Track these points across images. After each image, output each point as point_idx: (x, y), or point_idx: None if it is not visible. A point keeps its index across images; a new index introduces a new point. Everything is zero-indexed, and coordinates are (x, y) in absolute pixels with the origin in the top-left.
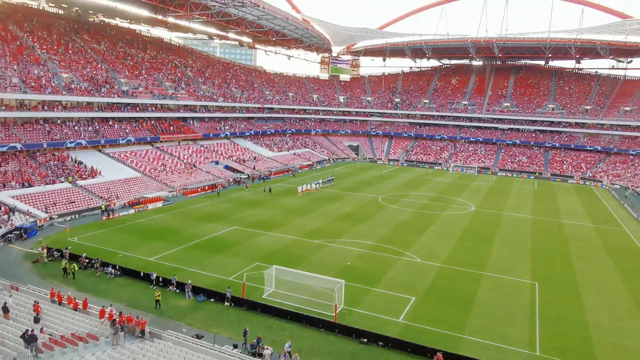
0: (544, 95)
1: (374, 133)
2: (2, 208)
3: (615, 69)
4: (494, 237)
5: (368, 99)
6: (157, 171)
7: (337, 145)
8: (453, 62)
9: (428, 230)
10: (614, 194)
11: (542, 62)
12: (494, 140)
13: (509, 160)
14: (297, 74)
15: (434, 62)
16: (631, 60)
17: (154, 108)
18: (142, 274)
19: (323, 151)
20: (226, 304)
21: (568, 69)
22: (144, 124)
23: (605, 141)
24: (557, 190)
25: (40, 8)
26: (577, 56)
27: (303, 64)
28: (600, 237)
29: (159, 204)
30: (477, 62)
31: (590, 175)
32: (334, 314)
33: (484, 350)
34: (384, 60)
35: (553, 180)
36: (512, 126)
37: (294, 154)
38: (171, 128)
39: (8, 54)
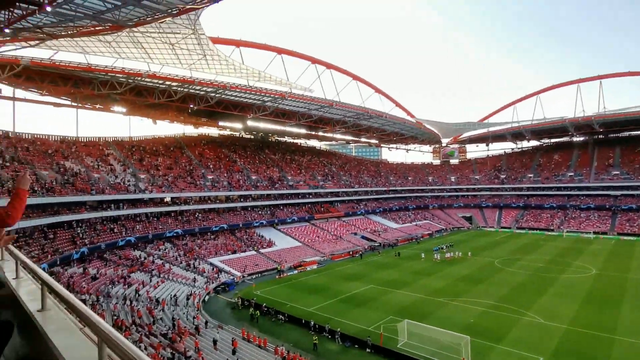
0: None
1: (484, 205)
2: (214, 269)
3: None
4: (621, 299)
5: (476, 177)
6: (313, 241)
7: (452, 217)
8: (553, 140)
9: (548, 292)
10: None
11: None
12: (607, 206)
13: (627, 224)
14: (414, 162)
15: (535, 143)
16: None
17: (310, 195)
18: (303, 321)
19: (440, 222)
20: (367, 350)
21: None
22: (303, 207)
23: None
24: None
25: (239, 135)
26: None
27: (418, 154)
28: None
29: (314, 266)
30: (578, 138)
31: None
32: None
33: None
34: (487, 145)
35: None
36: (625, 192)
37: (416, 225)
38: (322, 209)
39: (222, 167)
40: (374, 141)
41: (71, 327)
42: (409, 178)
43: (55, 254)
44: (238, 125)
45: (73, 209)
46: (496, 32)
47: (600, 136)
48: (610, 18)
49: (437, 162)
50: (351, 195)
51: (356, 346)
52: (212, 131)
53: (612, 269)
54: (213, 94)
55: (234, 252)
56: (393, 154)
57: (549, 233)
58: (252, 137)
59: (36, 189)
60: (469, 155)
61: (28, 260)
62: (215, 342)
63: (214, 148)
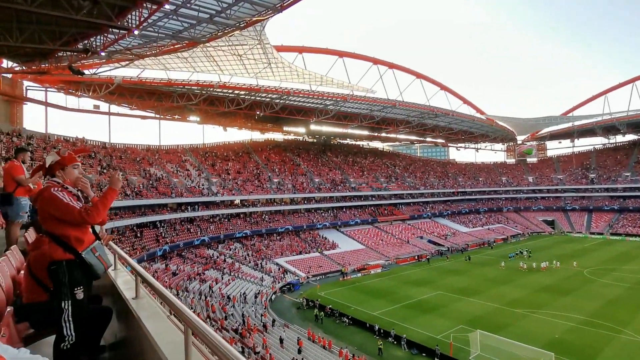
0: None
1: (570, 208)
2: (280, 269)
3: None
4: None
5: (559, 177)
6: (377, 244)
7: (531, 220)
8: None
9: None
10: None
11: None
12: None
13: None
14: (485, 162)
15: (632, 136)
16: None
17: (373, 198)
18: (367, 325)
19: (516, 226)
20: (436, 359)
21: None
22: (366, 210)
23: None
24: None
25: (302, 139)
26: None
27: (490, 153)
28: None
29: (379, 270)
30: None
31: None
32: None
33: None
34: (572, 141)
35: None
36: None
37: (488, 229)
38: (385, 212)
39: (286, 171)
40: (440, 141)
41: (161, 314)
42: (480, 179)
43: (143, 251)
44: (301, 129)
45: (157, 210)
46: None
47: None
48: None
49: (511, 161)
50: (416, 198)
51: (423, 354)
52: (277, 136)
53: None
54: (278, 100)
55: (299, 253)
56: (461, 154)
57: None
58: (315, 140)
59: (127, 192)
60: (550, 153)
61: (124, 254)
62: (281, 340)
63: (279, 152)
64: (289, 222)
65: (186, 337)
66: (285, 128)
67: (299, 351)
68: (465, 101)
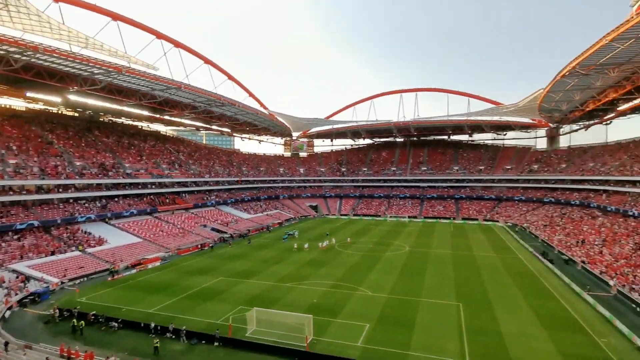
0: (450, 160)
1: (328, 195)
2: (18, 277)
3: (496, 139)
4: (425, 269)
5: (322, 169)
6: (156, 236)
7: (301, 206)
8: (382, 139)
9: (375, 269)
10: (508, 230)
11: (446, 137)
12: (418, 196)
13: (430, 209)
14: (267, 153)
15: (368, 140)
16: (506, 133)
17: (153, 186)
18: (142, 324)
19: (290, 211)
20: (216, 344)
21: (464, 141)
22: (145, 199)
23: (496, 191)
24: (468, 230)
25: (59, 112)
26: (470, 132)
27: (271, 146)
28: (503, 264)
29: (157, 263)
30: (399, 139)
31: (490, 217)
32: (306, 345)
33: None
34: (332, 140)
35: (464, 222)
36: (430, 184)
37: (267, 214)
38: (167, 200)
39: (31, 149)
40: (226, 130)
41: None
42: (262, 169)
43: None
44: (55, 98)
45: None
46: (350, 37)
47: (415, 138)
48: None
49: (288, 154)
50: (201, 186)
51: (203, 342)
52: (16, 103)
53: (419, 246)
54: (18, 56)
55: (52, 253)
56: (246, 145)
57: (377, 218)
58: (77, 115)
59: None
60: (316, 149)
61: None
62: None
63: (19, 125)
64: (35, 215)
65: None
66: (29, 94)
67: None
68: (251, 94)
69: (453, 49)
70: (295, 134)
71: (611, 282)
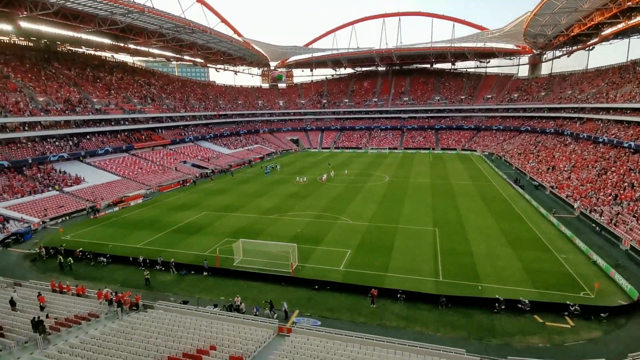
0: (431, 90)
1: (309, 128)
2: None
3: (479, 67)
4: (404, 198)
5: (302, 101)
6: (135, 174)
7: (282, 140)
8: (364, 69)
9: (356, 199)
10: (484, 159)
11: (428, 66)
12: (399, 127)
13: (411, 140)
14: (244, 85)
15: (350, 70)
16: (489, 61)
17: (126, 122)
18: (130, 259)
19: (271, 145)
20: (204, 273)
21: (447, 69)
22: (119, 136)
23: (476, 121)
24: (446, 159)
25: (12, 42)
26: (452, 59)
27: (248, 77)
28: (478, 191)
29: (139, 200)
30: (381, 68)
31: (468, 146)
32: (291, 271)
33: (404, 282)
34: (311, 70)
35: (443, 153)
36: (410, 115)
37: (248, 149)
38: (143, 137)
39: None
40: (199, 60)
41: None
42: (239, 102)
43: None
44: (6, 26)
45: None
46: None
47: (397, 67)
48: None
49: (266, 85)
50: (177, 121)
51: (192, 272)
52: None
53: (399, 176)
54: None
55: (30, 194)
56: (221, 76)
57: (359, 150)
58: (32, 45)
59: None
60: (296, 80)
61: None
62: (13, 302)
63: None
64: (3, 155)
65: None
66: None
67: (42, 308)
68: (224, 20)
69: None
70: (273, 64)
71: (575, 205)
